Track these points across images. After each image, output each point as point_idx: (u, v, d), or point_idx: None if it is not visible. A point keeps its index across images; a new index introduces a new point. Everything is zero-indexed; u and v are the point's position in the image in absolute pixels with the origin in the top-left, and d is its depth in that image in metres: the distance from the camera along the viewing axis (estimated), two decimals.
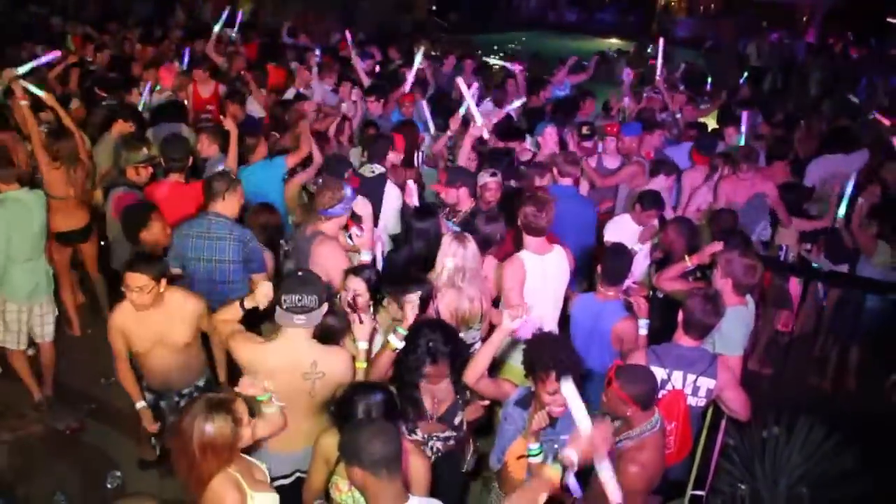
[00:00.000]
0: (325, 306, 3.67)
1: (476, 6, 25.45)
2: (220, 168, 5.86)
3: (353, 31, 10.45)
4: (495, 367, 4.51)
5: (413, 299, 3.84)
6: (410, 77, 8.65)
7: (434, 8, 22.82)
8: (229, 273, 4.93)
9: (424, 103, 8.00)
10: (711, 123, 9.19)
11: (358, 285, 4.15)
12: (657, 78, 9.50)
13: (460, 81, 6.93)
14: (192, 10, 16.84)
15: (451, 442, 3.92)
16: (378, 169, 6.06)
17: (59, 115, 6.67)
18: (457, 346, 3.85)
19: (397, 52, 12.38)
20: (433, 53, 14.31)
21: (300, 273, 3.74)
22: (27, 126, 6.32)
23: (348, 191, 4.88)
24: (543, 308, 4.77)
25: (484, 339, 4.52)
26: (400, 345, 3.80)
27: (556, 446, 3.61)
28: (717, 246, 4.78)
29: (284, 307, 3.57)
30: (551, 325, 4.90)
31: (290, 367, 3.63)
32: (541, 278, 4.81)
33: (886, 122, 9.72)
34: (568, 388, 3.00)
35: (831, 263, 6.48)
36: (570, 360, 3.52)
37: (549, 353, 3.54)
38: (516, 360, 4.05)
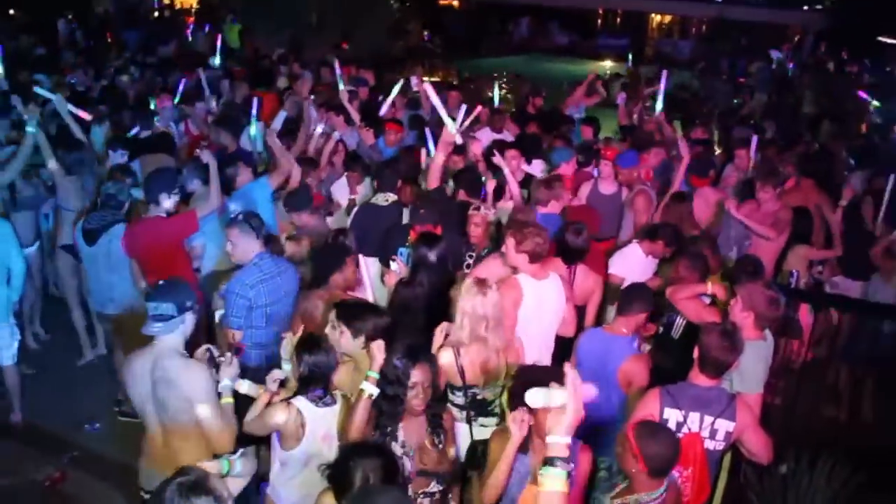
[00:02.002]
0: (189, 316, 3.62)
1: (468, 32, 25.55)
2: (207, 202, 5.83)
3: (342, 63, 10.25)
4: None
5: (380, 343, 3.62)
6: (386, 105, 8.68)
7: (427, 34, 22.84)
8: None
9: (428, 130, 7.80)
10: None
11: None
12: (658, 109, 9.20)
13: (427, 87, 6.59)
14: (183, 39, 16.81)
15: (438, 497, 3.61)
16: (391, 197, 6.19)
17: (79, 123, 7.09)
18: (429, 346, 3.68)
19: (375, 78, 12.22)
20: (426, 79, 14.20)
21: (163, 282, 3.66)
22: None
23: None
24: (536, 337, 4.58)
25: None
26: (375, 391, 3.54)
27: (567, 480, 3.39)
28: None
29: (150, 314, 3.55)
30: (545, 359, 4.69)
31: (147, 369, 3.64)
32: (536, 305, 4.60)
33: None
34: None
35: (846, 278, 6.29)
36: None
37: (544, 374, 3.28)
38: None
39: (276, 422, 3.68)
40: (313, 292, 4.78)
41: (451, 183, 6.60)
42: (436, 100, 6.14)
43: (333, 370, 3.81)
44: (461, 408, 4.10)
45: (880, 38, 21.29)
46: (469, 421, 4.14)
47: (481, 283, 4.17)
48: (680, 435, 3.69)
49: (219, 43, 13.42)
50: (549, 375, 3.32)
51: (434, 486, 3.58)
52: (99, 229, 5.66)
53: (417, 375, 3.44)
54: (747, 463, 4.18)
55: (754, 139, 7.69)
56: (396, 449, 3.51)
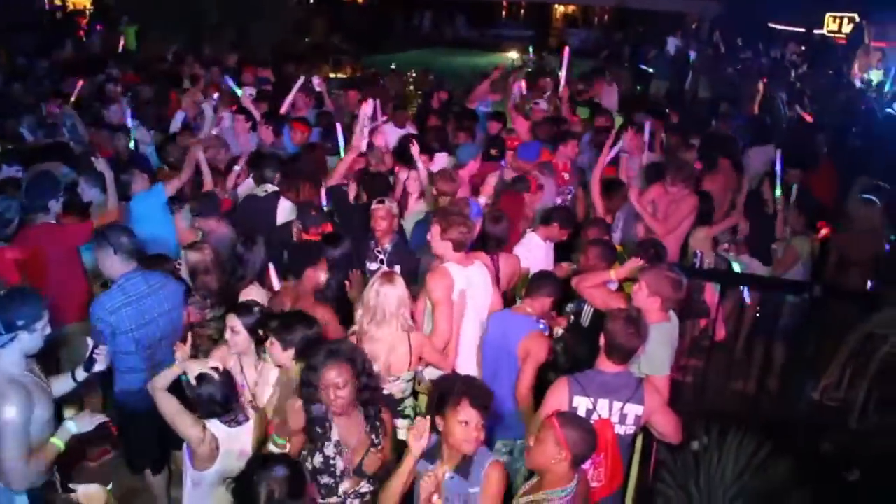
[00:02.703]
0: (24, 336, 3.43)
1: (372, 27, 25.41)
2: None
3: (241, 63, 10.03)
4: None
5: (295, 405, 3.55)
6: (287, 102, 8.66)
7: (331, 31, 22.56)
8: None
9: (339, 126, 7.71)
10: None
11: None
12: (561, 87, 9.42)
13: (367, 106, 6.86)
14: (80, 42, 16.16)
15: (368, 498, 3.56)
16: (270, 188, 6.24)
17: None
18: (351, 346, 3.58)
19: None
20: (333, 75, 14.06)
21: (3, 293, 3.54)
22: None
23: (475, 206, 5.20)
24: (466, 323, 4.58)
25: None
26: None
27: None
28: (638, 262, 4.63)
29: None
30: (473, 344, 4.68)
31: None
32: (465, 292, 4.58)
33: (808, 118, 10.02)
34: None
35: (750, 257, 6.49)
36: (482, 389, 3.32)
37: (460, 382, 3.35)
38: None
39: (185, 430, 3.57)
40: (281, 290, 4.77)
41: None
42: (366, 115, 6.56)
43: (234, 392, 3.71)
44: None
45: (771, 25, 22.17)
46: None
47: (386, 275, 4.15)
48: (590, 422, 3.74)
49: (121, 45, 13.14)
50: (468, 386, 3.29)
51: (365, 486, 3.54)
52: None
53: (329, 377, 3.34)
54: (659, 442, 4.25)
55: (647, 124, 7.82)
56: (329, 449, 3.45)
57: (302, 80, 8.93)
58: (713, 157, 7.88)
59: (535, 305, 4.56)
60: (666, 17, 28.63)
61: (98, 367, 3.82)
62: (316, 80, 9.53)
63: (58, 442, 3.51)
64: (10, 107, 9.32)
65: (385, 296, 4.10)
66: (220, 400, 3.61)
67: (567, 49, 9.62)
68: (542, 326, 4.65)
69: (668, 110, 11.07)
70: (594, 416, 3.73)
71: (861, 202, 6.62)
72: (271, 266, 4.93)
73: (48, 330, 3.54)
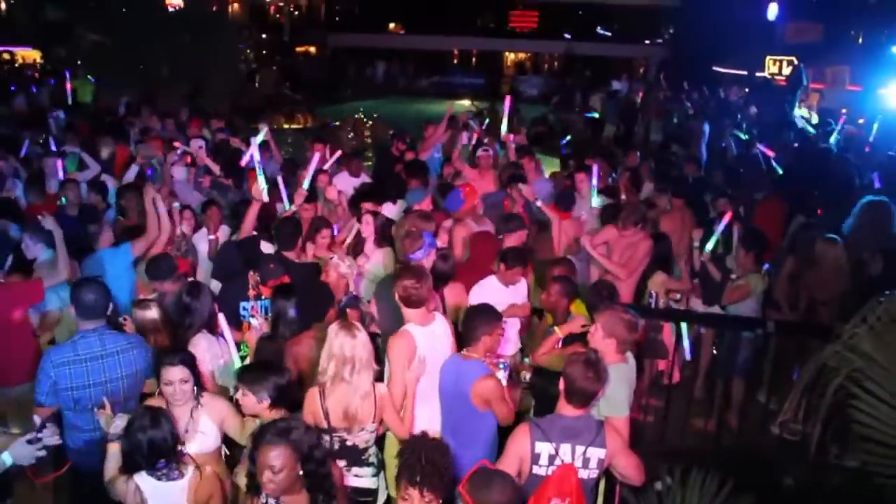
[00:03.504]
0: None
1: (326, 78, 25.64)
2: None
3: (194, 115, 9.99)
4: None
5: None
6: (247, 156, 8.42)
7: (288, 83, 22.69)
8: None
9: (280, 179, 7.70)
10: None
11: None
12: (503, 134, 9.56)
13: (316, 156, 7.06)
14: (29, 95, 16.00)
15: None
16: None
17: None
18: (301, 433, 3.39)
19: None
20: (287, 126, 14.12)
21: None
22: None
23: (428, 238, 5.46)
24: (429, 381, 4.50)
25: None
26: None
27: None
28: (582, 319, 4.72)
29: None
30: (436, 398, 4.61)
31: None
32: (429, 351, 4.51)
33: (770, 153, 10.27)
34: None
35: (706, 305, 6.54)
36: (426, 467, 3.12)
37: (409, 456, 3.19)
38: None
39: (114, 493, 3.49)
40: (304, 335, 4.65)
41: None
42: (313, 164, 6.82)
43: (175, 443, 3.59)
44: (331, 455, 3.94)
45: (715, 68, 22.88)
46: None
47: (349, 325, 4.10)
48: (553, 467, 3.71)
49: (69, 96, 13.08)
50: (411, 464, 3.19)
51: None
52: None
53: (265, 457, 3.17)
54: (622, 484, 4.24)
55: (595, 167, 7.94)
56: None
57: (265, 131, 8.87)
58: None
59: (478, 349, 4.39)
60: (613, 61, 29.43)
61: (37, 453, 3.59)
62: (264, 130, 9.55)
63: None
64: None
65: (354, 347, 4.03)
66: (169, 443, 3.51)
67: (509, 97, 9.84)
68: (501, 364, 4.56)
69: (624, 152, 11.32)
70: (557, 461, 3.70)
71: (825, 242, 6.72)
72: (221, 315, 4.85)
73: None
